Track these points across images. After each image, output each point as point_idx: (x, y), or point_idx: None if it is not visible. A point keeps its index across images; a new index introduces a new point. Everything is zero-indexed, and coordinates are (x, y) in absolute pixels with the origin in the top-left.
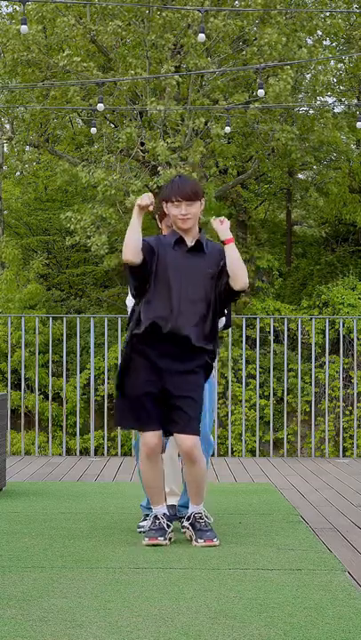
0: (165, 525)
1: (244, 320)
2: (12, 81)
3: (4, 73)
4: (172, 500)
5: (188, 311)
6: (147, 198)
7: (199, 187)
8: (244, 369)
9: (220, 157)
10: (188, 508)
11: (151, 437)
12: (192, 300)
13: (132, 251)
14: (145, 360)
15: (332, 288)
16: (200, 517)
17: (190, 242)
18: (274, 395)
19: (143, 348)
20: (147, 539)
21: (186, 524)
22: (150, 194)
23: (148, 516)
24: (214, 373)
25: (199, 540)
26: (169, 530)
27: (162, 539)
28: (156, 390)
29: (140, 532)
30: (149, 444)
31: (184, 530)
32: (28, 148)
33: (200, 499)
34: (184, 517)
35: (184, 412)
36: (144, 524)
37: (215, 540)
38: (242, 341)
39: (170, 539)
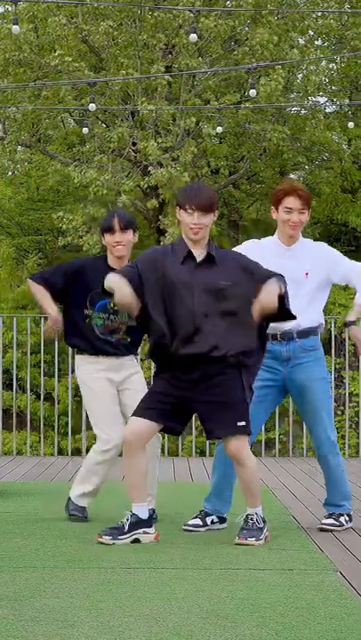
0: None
1: None
2: (3, 81)
3: None
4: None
5: (206, 327)
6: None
7: (215, 197)
8: None
9: (211, 157)
10: (214, 510)
11: (133, 424)
12: (208, 315)
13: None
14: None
15: None
16: (250, 518)
17: (199, 254)
18: None
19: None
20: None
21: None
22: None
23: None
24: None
25: (236, 538)
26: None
27: (108, 538)
28: (178, 394)
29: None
30: (125, 435)
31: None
32: (19, 148)
33: (253, 501)
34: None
35: (217, 415)
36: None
37: (250, 539)
38: None
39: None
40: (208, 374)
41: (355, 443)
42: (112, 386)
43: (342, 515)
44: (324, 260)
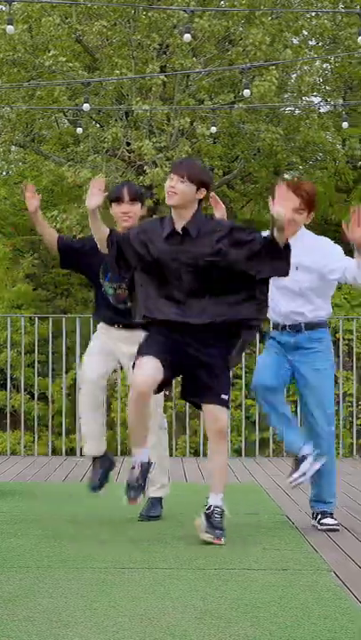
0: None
1: None
2: None
3: None
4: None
5: (194, 303)
6: (96, 196)
7: (200, 172)
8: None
9: (205, 157)
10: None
11: (148, 369)
12: (195, 291)
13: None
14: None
15: None
16: (218, 513)
17: (181, 228)
18: None
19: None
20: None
21: (202, 514)
22: (100, 180)
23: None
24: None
25: (206, 535)
26: (145, 486)
27: (141, 498)
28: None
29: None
30: (142, 380)
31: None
32: (13, 148)
33: (222, 486)
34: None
35: (208, 383)
36: None
37: (222, 540)
38: None
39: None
40: (197, 338)
41: (349, 443)
42: (115, 352)
43: (332, 513)
44: (328, 253)
